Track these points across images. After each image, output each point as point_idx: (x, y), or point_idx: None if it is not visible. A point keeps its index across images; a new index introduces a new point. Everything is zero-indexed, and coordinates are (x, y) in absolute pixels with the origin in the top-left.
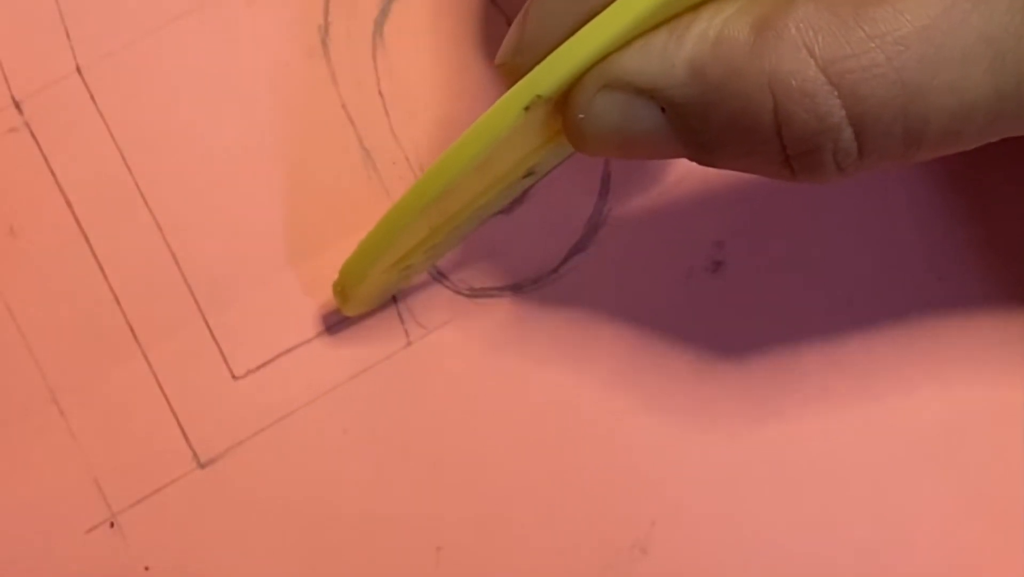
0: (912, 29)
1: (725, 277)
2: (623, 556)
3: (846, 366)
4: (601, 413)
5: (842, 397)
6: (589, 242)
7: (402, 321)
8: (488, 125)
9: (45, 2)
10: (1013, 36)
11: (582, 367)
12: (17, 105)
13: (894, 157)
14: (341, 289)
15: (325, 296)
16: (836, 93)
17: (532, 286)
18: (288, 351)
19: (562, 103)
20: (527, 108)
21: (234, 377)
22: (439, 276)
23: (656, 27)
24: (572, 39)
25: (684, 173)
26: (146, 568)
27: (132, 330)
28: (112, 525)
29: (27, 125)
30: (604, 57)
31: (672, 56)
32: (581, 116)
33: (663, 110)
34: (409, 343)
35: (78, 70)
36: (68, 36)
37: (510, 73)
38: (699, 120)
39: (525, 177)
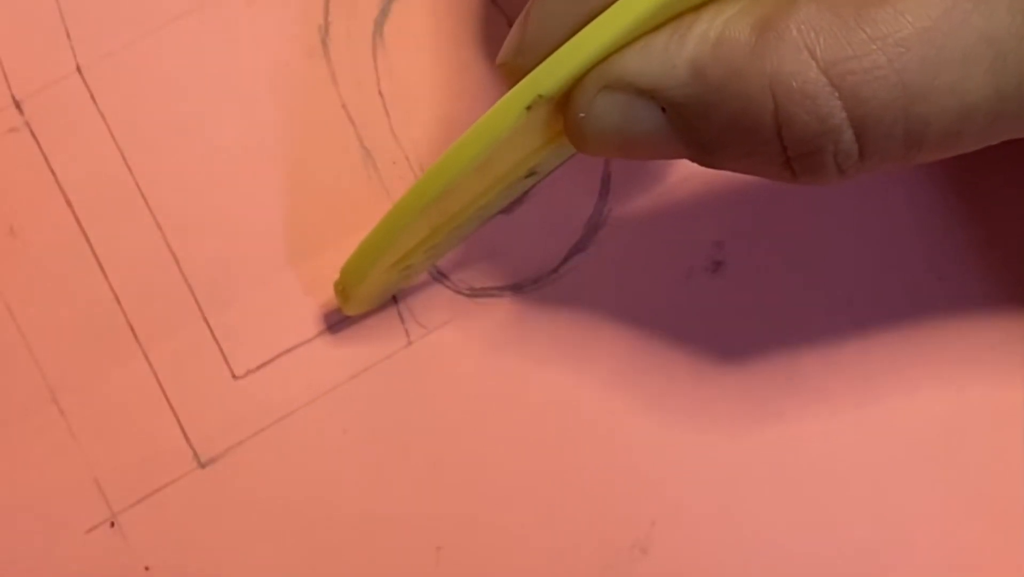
0: (913, 31)
1: (725, 277)
2: (623, 556)
3: (846, 366)
4: (601, 413)
5: (842, 397)
6: (589, 242)
7: (402, 321)
8: (489, 125)
9: (45, 2)
10: (1014, 37)
11: (582, 367)
12: (17, 105)
13: (895, 159)
14: (342, 289)
15: (325, 296)
16: (837, 95)
17: (532, 286)
18: (288, 351)
19: (563, 103)
20: (528, 108)
21: (234, 377)
22: (439, 276)
23: (657, 28)
24: (573, 39)
25: (684, 174)
26: (146, 568)
27: (132, 330)
28: (112, 525)
29: (27, 125)
30: (605, 57)
31: (673, 57)
32: (582, 116)
33: (664, 111)
34: (409, 343)
35: (78, 70)
36: (68, 36)
37: (511, 73)
38: (700, 121)
39: (526, 177)
